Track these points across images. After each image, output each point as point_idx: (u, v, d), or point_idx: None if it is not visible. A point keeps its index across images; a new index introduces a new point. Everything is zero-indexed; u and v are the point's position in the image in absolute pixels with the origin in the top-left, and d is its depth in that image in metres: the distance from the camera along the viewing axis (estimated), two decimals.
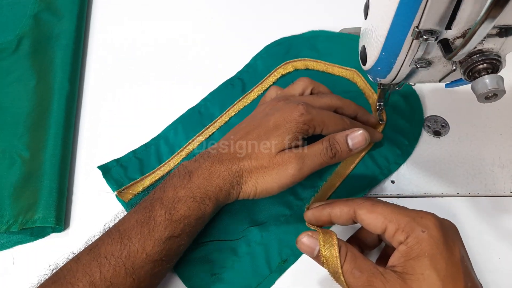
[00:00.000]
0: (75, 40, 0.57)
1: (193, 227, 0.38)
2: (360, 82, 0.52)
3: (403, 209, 0.35)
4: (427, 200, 0.45)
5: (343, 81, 0.53)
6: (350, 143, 0.40)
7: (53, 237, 0.46)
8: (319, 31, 0.57)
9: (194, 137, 0.50)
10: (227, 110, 0.52)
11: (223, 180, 0.39)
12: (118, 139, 0.52)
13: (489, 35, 0.29)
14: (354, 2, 0.48)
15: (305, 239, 0.36)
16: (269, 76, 0.54)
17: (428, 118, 0.49)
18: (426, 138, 0.48)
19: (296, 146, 0.40)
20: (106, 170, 0.48)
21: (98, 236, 0.38)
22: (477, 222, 0.44)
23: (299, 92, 0.46)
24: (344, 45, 0.55)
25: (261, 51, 0.57)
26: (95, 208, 0.48)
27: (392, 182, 0.46)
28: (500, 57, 0.31)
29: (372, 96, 0.51)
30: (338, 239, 0.35)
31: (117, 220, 0.39)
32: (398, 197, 0.46)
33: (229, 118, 0.51)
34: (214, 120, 0.51)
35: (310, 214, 0.40)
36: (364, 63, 0.38)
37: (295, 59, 0.55)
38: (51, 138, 0.49)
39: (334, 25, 0.57)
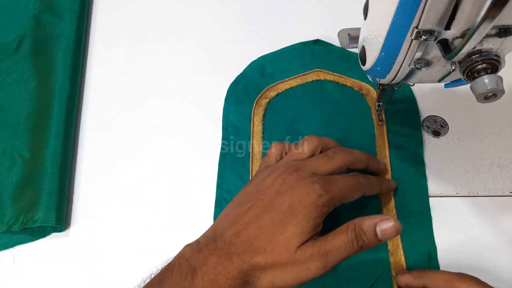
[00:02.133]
0: (76, 41, 0.57)
1: None
2: (327, 75, 0.53)
3: None
4: None
5: (316, 85, 0.53)
6: (379, 234, 0.35)
7: (54, 237, 0.47)
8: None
9: None
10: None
11: (231, 282, 0.34)
12: (119, 139, 0.52)
13: (488, 35, 0.29)
14: (354, 2, 0.48)
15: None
16: (254, 120, 0.51)
17: (427, 118, 0.49)
18: (425, 138, 0.48)
19: (317, 232, 0.36)
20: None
21: None
22: (476, 222, 0.44)
23: (308, 155, 0.42)
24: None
25: (224, 107, 0.53)
26: (96, 208, 0.48)
27: None
28: (499, 57, 0.31)
29: (351, 81, 0.52)
30: None
31: None
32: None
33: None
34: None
35: (403, 282, 0.40)
36: (364, 63, 0.38)
37: (262, 92, 0.53)
38: (52, 138, 0.49)
39: (334, 26, 0.57)
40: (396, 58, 0.34)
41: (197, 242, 0.37)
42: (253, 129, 0.51)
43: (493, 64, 0.31)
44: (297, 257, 0.34)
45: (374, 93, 0.51)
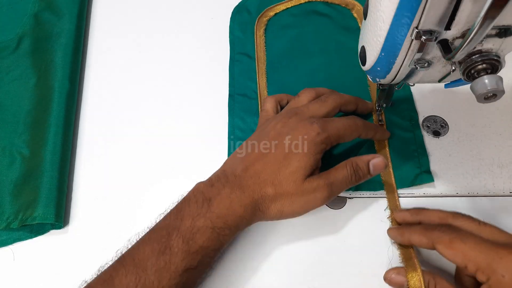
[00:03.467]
0: (75, 39, 0.57)
1: (211, 258, 0.38)
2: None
3: (484, 244, 0.35)
4: (426, 200, 0.45)
5: (309, 6, 0.60)
6: (371, 168, 0.42)
7: (53, 234, 0.47)
8: None
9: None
10: (258, 84, 0.54)
11: (245, 209, 0.38)
12: (118, 137, 0.52)
13: (488, 36, 0.29)
14: None
15: (393, 276, 0.39)
16: (257, 34, 0.58)
17: (427, 118, 0.49)
18: (425, 138, 0.48)
19: (318, 167, 0.41)
20: None
21: (110, 263, 0.37)
22: None
23: (305, 103, 0.46)
24: None
25: (230, 25, 0.60)
26: (95, 205, 0.48)
27: None
28: (499, 57, 0.31)
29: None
30: (425, 273, 0.38)
31: (129, 246, 0.38)
32: (398, 197, 0.46)
33: (267, 95, 0.53)
34: (258, 98, 0.53)
35: (391, 233, 0.43)
36: (364, 63, 0.38)
37: (262, 12, 0.59)
38: (51, 136, 0.49)
39: None
40: (396, 58, 0.34)
41: (209, 179, 0.41)
42: (256, 40, 0.57)
43: (493, 64, 0.31)
44: (305, 188, 0.39)
45: (359, 6, 0.58)
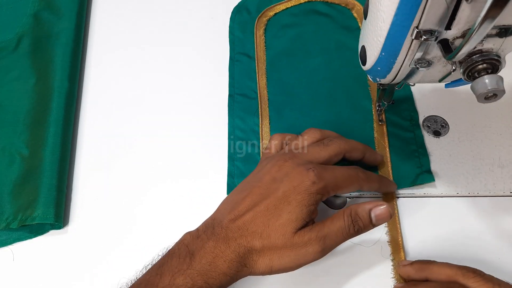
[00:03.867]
0: (74, 39, 0.57)
1: None
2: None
3: None
4: (427, 200, 0.45)
5: (309, 6, 0.60)
6: (373, 219, 0.37)
7: (52, 234, 0.47)
8: None
9: (259, 113, 0.52)
10: (258, 84, 0.54)
11: (229, 265, 0.35)
12: (118, 137, 0.52)
13: (489, 35, 0.29)
14: None
15: None
16: (256, 34, 0.58)
17: (427, 118, 0.49)
18: (425, 138, 0.48)
19: (312, 219, 0.38)
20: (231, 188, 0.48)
21: None
22: (477, 222, 0.44)
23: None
24: None
25: (229, 25, 0.60)
26: (94, 205, 0.48)
27: None
28: (499, 57, 0.31)
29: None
30: None
31: None
32: (398, 197, 0.46)
33: (267, 95, 0.53)
34: (258, 97, 0.53)
35: (405, 274, 0.41)
36: (364, 63, 0.38)
37: (262, 12, 0.59)
38: (51, 136, 0.49)
39: None
40: (396, 58, 0.34)
41: (196, 229, 0.38)
42: (256, 40, 0.57)
43: (494, 64, 0.31)
44: (295, 242, 0.36)
45: (359, 6, 0.58)
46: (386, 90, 0.44)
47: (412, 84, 0.42)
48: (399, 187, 0.45)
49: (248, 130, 0.51)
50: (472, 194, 0.45)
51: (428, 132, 0.48)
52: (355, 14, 0.58)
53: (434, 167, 0.46)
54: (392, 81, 0.38)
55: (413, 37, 0.30)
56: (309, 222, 0.37)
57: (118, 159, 0.51)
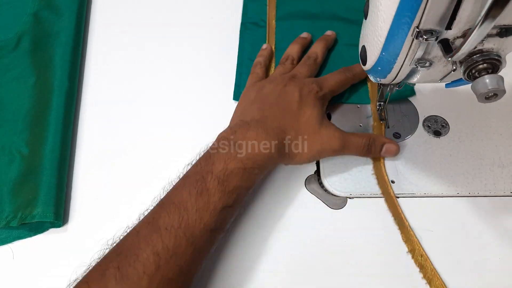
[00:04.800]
0: (74, 38, 0.57)
1: (245, 196, 0.41)
2: None
3: None
4: (427, 200, 0.45)
5: None
6: (384, 150, 0.46)
7: (52, 233, 0.46)
8: None
9: None
10: (267, 17, 0.59)
11: (271, 149, 0.41)
12: (118, 136, 0.52)
13: (489, 35, 0.29)
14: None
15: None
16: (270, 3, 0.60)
17: (428, 118, 0.49)
18: (426, 138, 0.48)
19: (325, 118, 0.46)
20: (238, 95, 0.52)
21: (150, 210, 0.39)
22: (477, 222, 0.44)
23: (295, 66, 0.51)
24: None
25: None
26: (94, 203, 0.48)
27: (392, 182, 0.46)
28: (500, 57, 0.31)
29: None
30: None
31: (164, 194, 0.40)
32: (398, 197, 0.46)
33: (275, 25, 0.58)
34: (267, 28, 0.58)
35: None
36: (364, 63, 0.38)
37: None
38: (51, 134, 0.49)
39: None
40: (397, 58, 0.34)
41: (229, 128, 0.45)
42: (269, 7, 0.60)
43: (494, 64, 0.31)
44: (323, 133, 0.44)
45: None
46: (386, 90, 0.44)
47: (413, 84, 0.42)
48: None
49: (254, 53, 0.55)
50: (472, 194, 0.45)
51: (428, 132, 0.48)
52: None
53: (434, 167, 0.46)
54: (392, 81, 0.38)
55: (413, 37, 0.30)
56: (324, 119, 0.45)
57: (118, 157, 0.51)
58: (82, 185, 0.49)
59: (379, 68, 0.36)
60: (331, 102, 0.50)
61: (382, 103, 0.47)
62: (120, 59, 0.58)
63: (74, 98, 0.54)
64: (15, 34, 0.58)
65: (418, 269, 0.42)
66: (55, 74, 0.54)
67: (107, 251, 0.37)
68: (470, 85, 0.32)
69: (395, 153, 0.46)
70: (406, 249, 0.43)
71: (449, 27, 0.29)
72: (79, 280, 0.36)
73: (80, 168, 0.50)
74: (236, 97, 0.53)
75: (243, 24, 0.59)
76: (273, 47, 0.56)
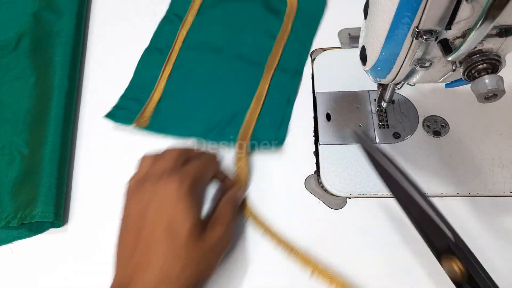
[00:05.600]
0: (74, 38, 0.58)
1: None
2: None
3: None
4: None
5: None
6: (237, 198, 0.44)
7: (52, 233, 0.47)
8: None
9: (163, 67, 0.56)
10: (174, 42, 0.58)
11: None
12: (118, 136, 0.52)
13: (489, 35, 0.29)
14: (354, 2, 0.48)
15: None
16: (195, 0, 0.61)
17: (428, 118, 0.49)
18: (426, 138, 0.48)
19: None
20: (112, 116, 0.53)
21: None
22: (477, 222, 0.44)
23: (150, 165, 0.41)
24: None
25: None
26: (94, 203, 0.48)
27: None
28: (499, 57, 0.31)
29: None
30: None
31: None
32: None
33: (178, 52, 0.57)
34: (169, 53, 0.57)
35: None
36: (364, 63, 0.38)
37: None
38: (51, 134, 0.49)
39: (334, 25, 0.57)
40: (396, 58, 0.34)
41: None
42: (194, 1, 0.61)
43: (494, 64, 0.31)
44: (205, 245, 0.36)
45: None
46: (386, 90, 0.44)
47: (412, 84, 0.42)
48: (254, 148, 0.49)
49: (148, 79, 0.55)
50: (472, 194, 0.45)
51: (428, 132, 0.48)
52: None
53: (434, 167, 0.46)
54: (392, 81, 0.38)
55: (413, 37, 0.30)
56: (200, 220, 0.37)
57: (117, 157, 0.51)
58: (82, 185, 0.50)
59: (379, 68, 0.36)
60: (331, 102, 0.50)
61: (382, 104, 0.47)
62: (120, 58, 0.58)
63: (74, 98, 0.54)
64: (15, 34, 0.58)
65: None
66: (55, 74, 0.54)
67: None
68: (469, 85, 0.32)
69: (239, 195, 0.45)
70: (406, 249, 0.43)
71: (448, 27, 0.29)
72: None
73: (80, 168, 0.51)
74: (112, 116, 0.52)
75: (147, 48, 0.58)
76: (166, 74, 0.55)
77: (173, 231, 0.35)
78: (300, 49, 0.56)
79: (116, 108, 0.53)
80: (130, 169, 0.49)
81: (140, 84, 0.55)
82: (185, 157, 0.41)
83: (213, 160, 0.44)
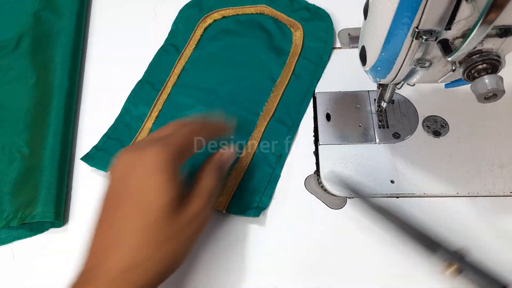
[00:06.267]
0: (74, 38, 0.57)
1: None
2: (271, 12, 0.59)
3: None
4: (427, 200, 0.45)
5: (258, 18, 0.59)
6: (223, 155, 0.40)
7: (52, 232, 0.47)
8: None
9: (153, 105, 0.53)
10: (168, 78, 0.55)
11: None
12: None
13: (488, 35, 0.29)
14: (354, 2, 0.48)
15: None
16: (195, 32, 0.58)
17: (427, 118, 0.49)
18: (425, 138, 0.48)
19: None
20: (90, 158, 0.49)
21: None
22: (477, 222, 0.44)
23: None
24: None
25: (177, 16, 0.60)
26: (94, 203, 0.48)
27: (392, 182, 0.46)
28: (499, 57, 0.31)
29: (287, 19, 0.58)
30: None
31: None
32: (397, 197, 0.46)
33: (171, 89, 0.54)
34: (161, 90, 0.54)
35: None
36: (364, 63, 0.38)
37: (211, 12, 0.59)
38: (51, 134, 0.49)
39: (334, 25, 0.57)
40: (396, 58, 0.34)
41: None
42: (191, 37, 0.58)
43: (494, 64, 0.31)
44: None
45: (301, 32, 0.57)
46: (386, 90, 0.44)
47: (412, 84, 0.42)
48: (232, 211, 0.45)
49: (136, 118, 0.52)
50: (472, 194, 0.45)
51: (428, 132, 0.48)
52: (294, 37, 0.57)
53: (434, 167, 0.46)
54: (392, 81, 0.38)
55: (413, 37, 0.30)
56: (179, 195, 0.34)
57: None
58: (82, 185, 0.50)
59: (379, 68, 0.36)
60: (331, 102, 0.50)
61: (382, 104, 0.47)
62: (120, 59, 0.58)
63: (74, 98, 0.54)
64: (15, 34, 0.58)
65: None
66: (55, 75, 0.54)
67: None
68: (469, 85, 0.32)
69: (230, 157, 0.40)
70: (406, 249, 0.43)
71: (448, 27, 0.30)
72: None
73: (80, 168, 0.51)
74: (89, 159, 0.49)
75: (139, 82, 0.55)
76: (155, 114, 0.52)
77: (145, 207, 0.32)
78: (299, 98, 0.52)
79: (95, 149, 0.50)
80: None
81: (126, 123, 0.52)
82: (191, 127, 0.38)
83: (206, 126, 0.40)
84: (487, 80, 0.30)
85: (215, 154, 0.40)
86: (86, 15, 0.62)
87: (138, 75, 0.56)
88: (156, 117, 0.52)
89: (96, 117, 0.54)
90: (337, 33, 0.57)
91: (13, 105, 0.52)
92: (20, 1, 0.61)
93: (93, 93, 0.56)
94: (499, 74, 0.31)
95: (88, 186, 0.49)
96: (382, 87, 0.44)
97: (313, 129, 0.51)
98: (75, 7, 0.60)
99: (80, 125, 0.54)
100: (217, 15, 0.59)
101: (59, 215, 0.46)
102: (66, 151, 0.50)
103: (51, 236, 0.46)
